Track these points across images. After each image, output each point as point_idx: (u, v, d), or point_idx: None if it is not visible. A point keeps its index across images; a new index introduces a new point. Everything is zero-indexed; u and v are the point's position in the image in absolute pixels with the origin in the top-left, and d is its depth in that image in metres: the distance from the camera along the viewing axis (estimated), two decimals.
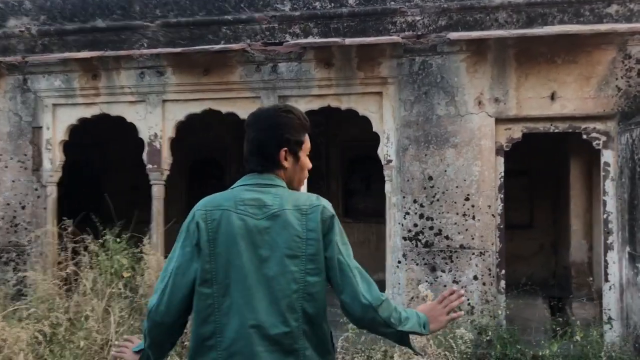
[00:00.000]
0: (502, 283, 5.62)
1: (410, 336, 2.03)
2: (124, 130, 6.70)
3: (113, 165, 9.68)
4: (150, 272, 5.27)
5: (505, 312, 5.48)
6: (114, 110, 6.42)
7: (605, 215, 5.56)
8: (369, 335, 4.51)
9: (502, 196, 5.63)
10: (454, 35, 5.43)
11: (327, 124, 8.04)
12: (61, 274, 5.10)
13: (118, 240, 5.46)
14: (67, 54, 6.28)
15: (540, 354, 4.57)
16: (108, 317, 4.61)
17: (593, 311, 6.80)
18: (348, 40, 5.50)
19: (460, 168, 5.59)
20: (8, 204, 6.46)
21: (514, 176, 5.89)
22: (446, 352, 3.86)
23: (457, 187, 5.59)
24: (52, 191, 6.51)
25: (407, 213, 5.68)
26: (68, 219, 5.67)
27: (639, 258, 5.03)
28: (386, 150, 5.80)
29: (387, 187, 5.83)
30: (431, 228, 5.63)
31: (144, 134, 6.29)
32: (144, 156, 6.29)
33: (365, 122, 5.94)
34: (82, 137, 6.81)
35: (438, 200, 5.62)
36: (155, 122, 6.26)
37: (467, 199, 5.57)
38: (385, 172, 5.83)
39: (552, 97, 5.49)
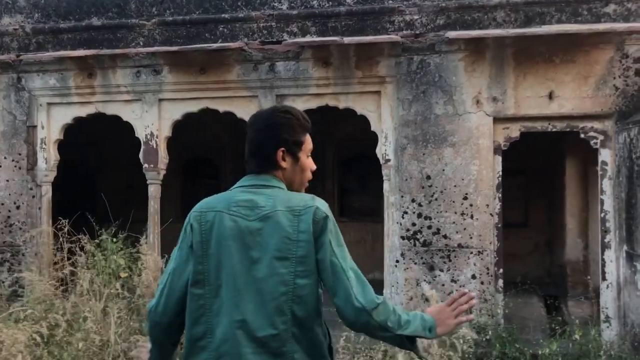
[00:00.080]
0: (500, 282, 5.63)
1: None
2: (119, 130, 6.66)
3: (108, 164, 9.63)
4: (148, 273, 5.23)
5: (504, 311, 5.49)
6: (110, 109, 6.36)
7: (602, 214, 5.58)
8: None
9: (500, 195, 5.63)
10: (452, 34, 5.42)
11: (323, 123, 8.02)
12: (57, 275, 5.05)
13: (114, 240, 5.42)
14: (62, 53, 6.22)
15: (540, 352, 4.58)
16: (106, 318, 4.57)
17: (589, 310, 6.82)
18: (347, 39, 5.48)
19: (458, 167, 5.59)
20: (2, 204, 6.40)
21: (510, 175, 5.90)
22: (450, 353, 3.86)
23: (455, 186, 5.59)
24: (47, 191, 6.45)
25: (406, 212, 5.67)
26: (62, 219, 5.62)
27: (637, 257, 5.05)
28: (384, 149, 5.79)
29: (385, 186, 5.82)
30: (429, 227, 5.63)
31: (140, 133, 6.25)
32: (141, 155, 6.25)
33: (362, 120, 5.93)
34: (77, 136, 6.76)
35: (436, 199, 5.62)
36: (152, 121, 6.21)
37: (465, 198, 5.57)
38: (384, 172, 5.82)
39: (550, 96, 5.50)
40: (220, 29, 6.12)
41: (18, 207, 6.40)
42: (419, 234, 5.65)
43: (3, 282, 6.02)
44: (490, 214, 5.57)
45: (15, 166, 6.42)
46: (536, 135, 5.74)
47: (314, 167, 2.10)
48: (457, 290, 5.50)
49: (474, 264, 5.54)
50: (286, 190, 1.97)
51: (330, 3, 6.00)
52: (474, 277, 5.53)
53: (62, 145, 6.55)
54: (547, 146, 7.84)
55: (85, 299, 4.59)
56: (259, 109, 5.77)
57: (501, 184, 5.64)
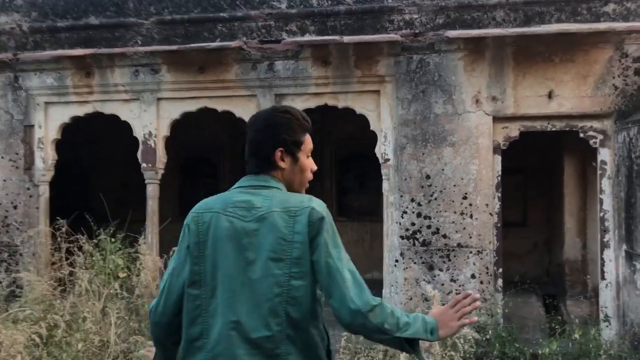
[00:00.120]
0: (500, 281, 5.63)
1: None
2: (116, 128, 6.63)
3: (102, 163, 9.57)
4: (147, 273, 5.21)
5: (504, 310, 5.49)
6: (108, 109, 6.33)
7: (601, 214, 5.58)
8: None
9: (499, 195, 5.63)
10: (452, 33, 5.42)
11: (322, 122, 8.01)
12: (56, 275, 5.02)
13: (113, 240, 5.39)
14: (59, 52, 6.19)
15: (540, 352, 4.57)
16: (104, 319, 4.55)
17: (588, 309, 6.84)
18: (346, 38, 5.47)
19: (457, 167, 5.58)
20: (0, 204, 6.36)
21: (508, 174, 5.90)
22: (451, 353, 3.85)
23: (454, 185, 5.59)
24: (44, 190, 6.42)
25: (405, 212, 5.66)
26: (59, 218, 5.58)
27: (636, 256, 5.06)
28: (384, 149, 5.78)
29: (385, 185, 5.81)
30: (429, 227, 5.62)
31: (139, 132, 6.22)
32: (139, 155, 6.22)
33: (361, 119, 5.92)
34: (74, 135, 6.73)
35: (436, 199, 5.61)
36: (150, 121, 6.19)
37: (464, 198, 5.57)
38: (383, 171, 5.81)
39: (550, 95, 5.50)
40: (219, 28, 6.10)
41: (15, 207, 6.37)
42: (418, 233, 5.64)
43: (0, 282, 5.99)
44: (490, 214, 5.56)
45: (13, 166, 6.38)
46: (535, 134, 5.73)
47: (315, 167, 2.08)
48: (456, 290, 5.53)
49: (474, 264, 5.53)
50: (284, 191, 1.96)
51: (330, 2, 5.98)
52: (473, 276, 5.53)
53: (56, 144, 6.51)
54: (545, 145, 7.84)
55: (84, 299, 4.56)
56: (258, 108, 5.81)
57: (500, 184, 5.64)
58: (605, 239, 5.55)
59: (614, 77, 5.40)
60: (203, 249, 1.88)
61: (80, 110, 6.40)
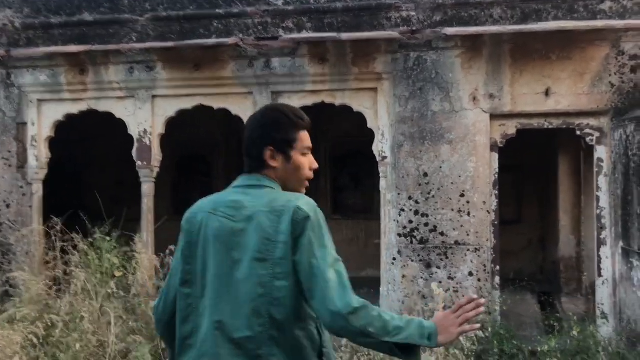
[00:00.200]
0: (497, 279, 5.64)
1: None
2: (109, 126, 6.57)
3: (96, 160, 9.48)
4: (143, 272, 5.16)
5: (502, 308, 5.50)
6: (102, 106, 6.27)
7: (598, 211, 5.60)
8: None
9: (496, 192, 5.64)
10: (450, 30, 5.41)
11: (319, 120, 7.97)
12: (51, 274, 4.96)
13: (108, 238, 5.33)
14: (53, 48, 6.11)
15: (539, 349, 4.58)
16: (100, 318, 4.50)
17: (583, 306, 6.87)
18: (344, 35, 5.45)
19: (455, 164, 5.58)
20: None
21: (505, 171, 5.91)
22: (455, 351, 3.84)
23: (452, 183, 5.58)
24: (37, 189, 6.35)
25: (402, 210, 5.65)
26: (52, 217, 5.51)
27: (633, 253, 5.08)
28: (381, 146, 5.76)
29: (382, 183, 5.79)
30: (426, 225, 5.62)
31: (134, 130, 6.16)
32: (134, 153, 6.16)
33: (358, 117, 5.90)
34: (69, 133, 6.65)
35: (433, 196, 5.60)
36: (145, 118, 6.13)
37: (462, 195, 5.57)
38: (380, 169, 5.79)
39: (547, 93, 5.50)
40: (215, 24, 6.05)
41: (8, 206, 6.29)
42: (416, 231, 5.63)
43: None
44: (487, 211, 5.56)
45: (5, 164, 6.31)
46: (530, 131, 5.74)
47: (315, 165, 2.04)
48: (453, 287, 5.53)
49: (471, 261, 5.54)
50: (277, 190, 1.93)
51: None
52: (470, 274, 5.53)
53: (49, 142, 6.44)
54: (540, 142, 7.86)
55: (80, 299, 4.51)
56: (254, 106, 5.77)
57: (498, 181, 5.64)
58: (602, 236, 5.57)
59: (610, 75, 5.42)
60: (195, 249, 1.89)
61: (74, 108, 6.33)
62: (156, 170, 6.22)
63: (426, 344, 1.77)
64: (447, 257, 5.57)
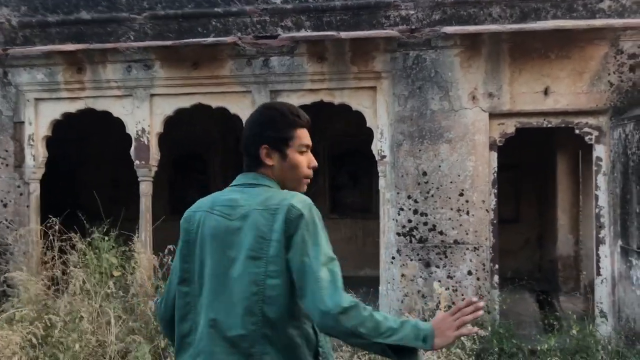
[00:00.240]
0: (496, 278, 5.64)
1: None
2: (105, 124, 6.53)
3: (91, 158, 9.42)
4: (142, 271, 5.14)
5: (501, 306, 5.50)
6: (100, 105, 6.24)
7: (597, 210, 5.61)
8: None
9: (495, 191, 5.63)
10: (449, 29, 5.40)
11: (317, 118, 7.96)
12: (49, 274, 4.94)
13: (106, 238, 5.31)
14: (50, 47, 6.08)
15: (539, 348, 4.58)
16: (99, 318, 4.48)
17: (581, 305, 6.88)
18: (343, 34, 5.43)
19: (454, 163, 5.57)
20: None
21: (503, 170, 5.91)
22: (457, 350, 3.84)
23: (451, 182, 5.58)
24: (35, 188, 6.31)
25: (402, 209, 5.65)
26: (50, 216, 5.48)
27: (632, 252, 5.08)
28: (380, 145, 5.75)
29: (381, 182, 5.78)
30: (425, 224, 5.61)
31: (132, 129, 6.13)
32: (132, 152, 6.14)
33: (356, 116, 5.88)
34: (66, 132, 6.62)
35: (432, 195, 5.60)
36: (143, 117, 6.11)
37: (461, 194, 5.56)
38: (379, 168, 5.78)
39: (546, 92, 5.50)
40: (213, 23, 6.03)
41: (5, 206, 6.26)
42: (415, 230, 5.63)
43: None
44: (486, 210, 5.56)
45: (2, 163, 6.27)
46: (528, 130, 5.74)
47: (315, 163, 2.02)
48: (452, 286, 5.53)
49: (470, 260, 5.53)
50: (274, 188, 1.92)
51: None
52: (470, 273, 5.53)
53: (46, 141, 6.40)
54: (538, 141, 7.87)
55: (79, 299, 4.49)
56: (253, 105, 5.76)
57: (497, 180, 5.64)
58: (600, 235, 5.57)
59: (609, 74, 5.42)
60: (192, 248, 1.90)
61: (72, 107, 6.30)
62: (154, 169, 6.20)
63: (420, 346, 1.73)
64: (446, 256, 5.57)
